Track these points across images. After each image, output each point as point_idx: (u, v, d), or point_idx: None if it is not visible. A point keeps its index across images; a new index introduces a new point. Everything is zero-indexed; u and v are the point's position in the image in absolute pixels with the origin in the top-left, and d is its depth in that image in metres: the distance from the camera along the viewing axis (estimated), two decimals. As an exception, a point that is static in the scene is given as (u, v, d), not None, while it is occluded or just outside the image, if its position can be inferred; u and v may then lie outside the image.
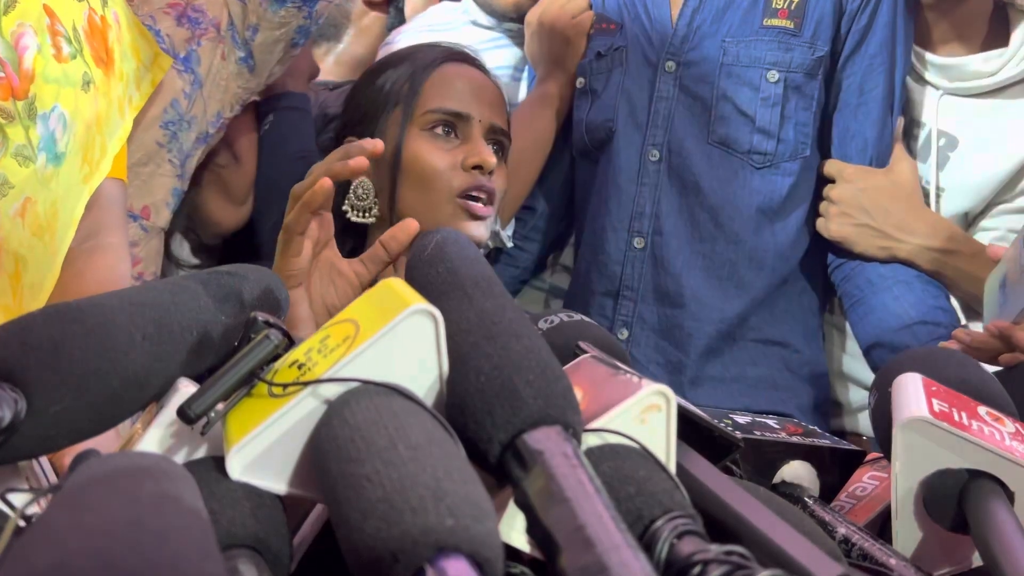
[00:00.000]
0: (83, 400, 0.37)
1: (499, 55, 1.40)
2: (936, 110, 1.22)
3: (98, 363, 0.37)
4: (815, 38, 1.18)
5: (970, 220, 1.21)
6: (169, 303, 0.43)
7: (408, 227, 0.85)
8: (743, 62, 1.18)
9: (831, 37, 1.18)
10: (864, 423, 1.26)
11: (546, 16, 1.29)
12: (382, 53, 1.47)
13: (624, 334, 1.19)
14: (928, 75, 1.22)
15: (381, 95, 1.10)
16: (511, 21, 1.43)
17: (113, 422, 0.39)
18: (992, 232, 1.19)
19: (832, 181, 1.20)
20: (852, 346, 1.27)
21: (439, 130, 1.05)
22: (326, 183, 0.81)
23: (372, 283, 1.02)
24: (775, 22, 1.19)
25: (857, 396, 1.28)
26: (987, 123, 1.20)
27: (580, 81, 1.30)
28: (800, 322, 1.22)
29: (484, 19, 1.45)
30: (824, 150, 1.22)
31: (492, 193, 1.05)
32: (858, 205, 1.16)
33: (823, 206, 1.19)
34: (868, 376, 1.26)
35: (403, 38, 1.48)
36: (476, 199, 1.03)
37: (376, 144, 0.85)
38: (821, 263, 1.25)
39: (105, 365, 0.37)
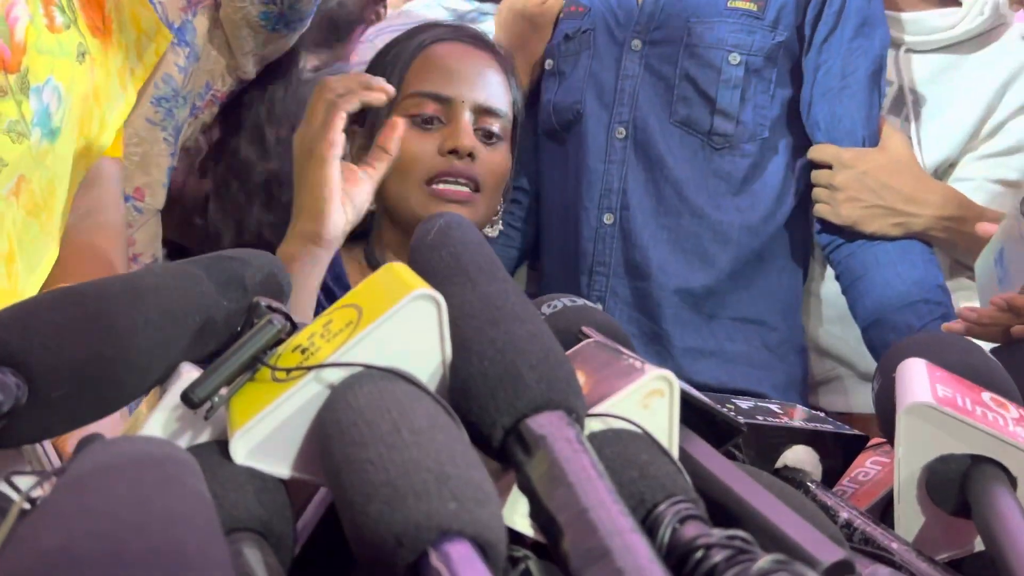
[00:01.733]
0: (85, 386, 0.37)
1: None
2: (899, 66, 1.25)
3: (100, 348, 0.37)
4: (776, 23, 1.19)
5: (941, 172, 1.24)
6: (171, 288, 0.43)
7: (396, 125, 0.92)
8: (706, 43, 1.19)
9: (792, 23, 1.20)
10: (826, 398, 1.28)
11: (516, 3, 1.30)
12: (359, 50, 1.46)
13: (599, 308, 1.21)
14: (894, 32, 1.25)
15: (377, 74, 1.09)
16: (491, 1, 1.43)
17: (115, 407, 0.39)
18: (969, 183, 1.21)
19: (824, 166, 1.20)
20: (827, 315, 1.28)
21: (422, 115, 1.04)
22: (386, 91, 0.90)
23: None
24: (739, 4, 1.20)
25: (820, 368, 1.29)
26: (949, 77, 1.23)
27: (548, 63, 1.30)
28: (779, 300, 1.24)
29: (463, 3, 1.44)
30: (800, 134, 1.23)
31: (472, 178, 1.02)
32: (864, 187, 1.17)
33: (824, 193, 1.20)
34: (833, 346, 1.28)
35: (380, 39, 1.47)
36: (448, 182, 1.02)
37: (388, 89, 0.91)
38: (802, 241, 1.27)
39: (107, 351, 0.37)
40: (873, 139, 1.20)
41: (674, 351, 1.19)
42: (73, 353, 0.36)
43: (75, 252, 0.82)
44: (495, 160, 1.06)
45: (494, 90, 1.09)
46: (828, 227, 1.21)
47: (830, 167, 1.19)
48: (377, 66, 1.12)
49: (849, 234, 1.20)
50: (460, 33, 1.13)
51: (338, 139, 0.88)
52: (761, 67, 1.19)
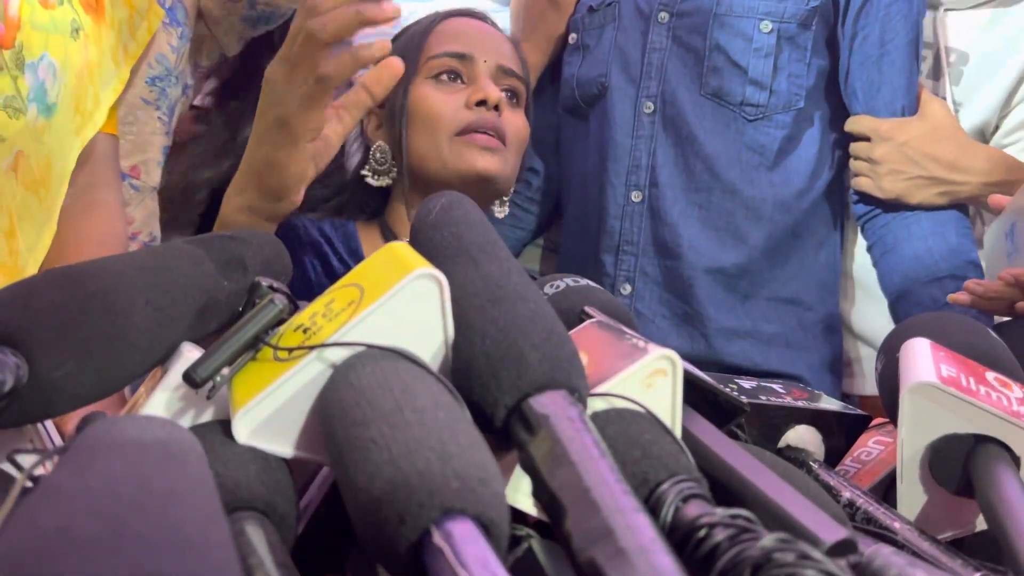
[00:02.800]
0: (86, 365, 0.37)
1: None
2: (937, 28, 1.21)
3: (101, 328, 0.37)
4: None
5: (988, 135, 1.20)
6: (172, 268, 0.43)
7: (393, 66, 0.78)
8: (736, 12, 1.17)
9: None
10: (853, 381, 1.27)
11: None
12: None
13: (627, 289, 1.19)
14: None
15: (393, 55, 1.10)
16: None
17: (116, 387, 0.39)
18: (1016, 145, 1.17)
19: (862, 138, 1.17)
20: (857, 295, 1.27)
21: (444, 76, 1.05)
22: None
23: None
24: None
25: (867, 353, 1.27)
26: (989, 35, 1.18)
27: (572, 37, 1.28)
28: (815, 278, 1.22)
29: None
30: (837, 104, 1.20)
31: (500, 129, 1.02)
32: (906, 159, 1.13)
33: (864, 167, 1.17)
34: (862, 326, 1.26)
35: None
36: (479, 131, 1.01)
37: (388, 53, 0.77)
38: (838, 215, 1.24)
39: (108, 330, 0.37)
40: (912, 108, 1.17)
41: (707, 332, 1.16)
42: (74, 333, 0.36)
43: (72, 231, 0.81)
44: (518, 120, 1.07)
45: (511, 56, 1.10)
46: (867, 198, 1.19)
47: (868, 139, 1.17)
48: (395, 44, 1.11)
49: (889, 205, 1.17)
50: (472, 12, 1.14)
51: (322, 122, 0.76)
52: (795, 34, 1.16)
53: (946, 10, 1.21)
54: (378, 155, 1.07)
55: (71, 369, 0.36)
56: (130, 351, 0.39)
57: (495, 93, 1.02)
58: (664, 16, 1.20)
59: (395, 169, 1.07)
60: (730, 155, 1.17)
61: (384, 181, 1.07)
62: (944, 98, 1.19)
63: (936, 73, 1.21)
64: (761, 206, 1.17)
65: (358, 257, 1.05)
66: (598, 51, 1.24)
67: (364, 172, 1.07)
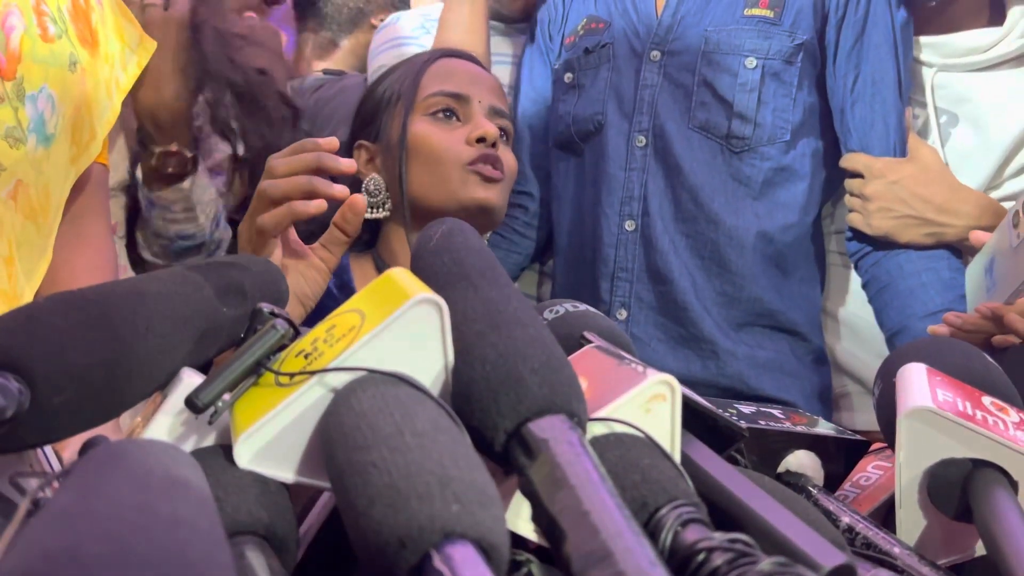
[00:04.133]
0: (86, 391, 0.37)
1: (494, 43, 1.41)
2: (930, 88, 1.23)
3: (103, 355, 0.37)
4: (795, 26, 1.21)
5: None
6: (172, 294, 0.43)
7: (355, 204, 0.83)
8: (723, 50, 1.21)
9: (812, 27, 1.21)
10: (835, 414, 1.27)
11: None
12: (377, 36, 1.48)
13: (623, 314, 1.22)
14: (922, 55, 1.23)
15: (383, 96, 1.14)
16: (519, 22, 1.44)
17: (115, 413, 0.39)
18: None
19: (853, 174, 1.20)
20: (841, 332, 1.27)
21: (441, 114, 1.09)
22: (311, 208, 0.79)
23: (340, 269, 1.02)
24: (755, 11, 1.22)
25: (856, 389, 1.28)
26: (982, 98, 1.20)
27: (568, 76, 1.33)
28: (803, 311, 1.24)
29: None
30: (829, 142, 1.23)
31: (500, 163, 1.07)
32: (896, 198, 1.16)
33: (855, 202, 1.19)
34: (847, 362, 1.27)
35: (402, 22, 1.49)
36: (486, 163, 1.05)
37: (331, 142, 0.82)
38: (820, 255, 1.27)
39: (110, 357, 0.38)
40: (903, 144, 1.19)
41: (704, 355, 1.19)
42: (76, 359, 0.36)
43: (65, 260, 0.82)
44: (510, 157, 1.12)
45: (500, 96, 1.15)
46: (858, 235, 1.21)
47: (861, 176, 1.18)
48: (382, 84, 1.15)
49: (878, 243, 1.19)
50: (464, 54, 1.19)
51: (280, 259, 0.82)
52: (779, 70, 1.20)
53: (939, 70, 1.22)
54: (371, 187, 1.09)
55: (73, 395, 0.36)
56: (131, 377, 0.39)
57: (493, 130, 1.06)
58: (656, 54, 1.25)
59: (389, 201, 1.09)
60: (715, 186, 1.20)
61: (379, 213, 1.09)
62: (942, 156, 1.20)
63: (926, 132, 1.22)
64: (744, 236, 1.20)
65: (349, 291, 1.06)
66: (593, 90, 1.28)
67: None
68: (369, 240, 1.14)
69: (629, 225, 1.23)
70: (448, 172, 1.05)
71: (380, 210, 1.09)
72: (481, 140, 1.06)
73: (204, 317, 0.44)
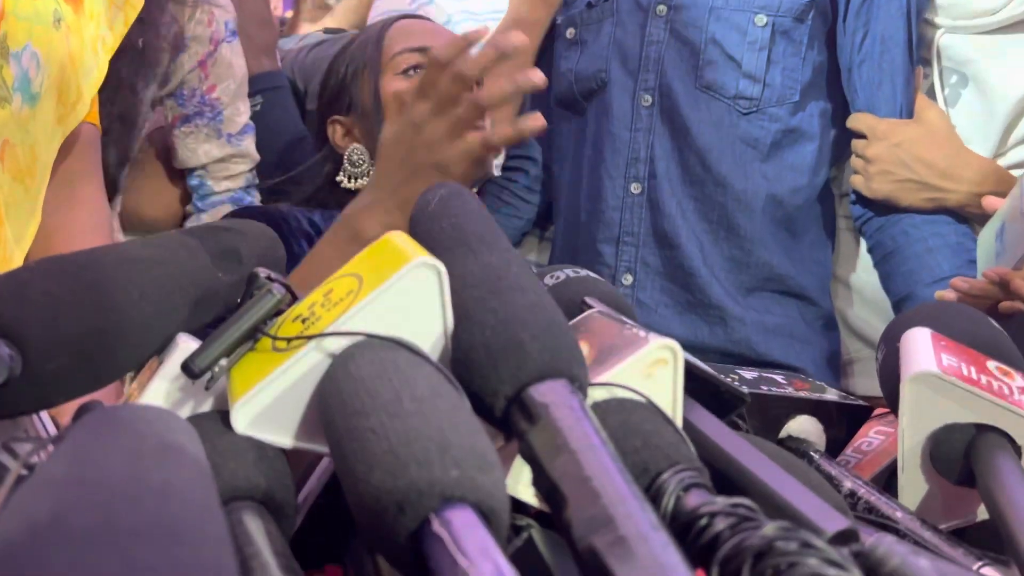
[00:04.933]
0: (79, 358, 0.36)
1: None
2: (936, 49, 1.20)
3: (96, 321, 0.37)
4: None
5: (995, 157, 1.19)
6: (167, 260, 0.43)
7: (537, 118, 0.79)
8: (732, 5, 1.18)
9: None
10: (851, 380, 1.27)
11: None
12: (373, 13, 1.46)
13: (628, 279, 1.20)
14: (930, 15, 1.20)
15: (348, 68, 1.13)
16: None
17: (109, 380, 0.39)
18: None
19: (860, 136, 1.18)
20: (853, 298, 1.26)
21: (411, 71, 1.07)
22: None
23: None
24: None
25: (846, 348, 1.27)
26: (988, 62, 1.17)
27: (570, 32, 1.29)
28: (813, 274, 1.23)
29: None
30: (838, 102, 1.21)
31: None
32: (897, 160, 1.14)
33: (858, 164, 1.17)
34: (859, 328, 1.27)
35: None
36: None
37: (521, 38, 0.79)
38: (831, 217, 1.25)
39: (103, 323, 0.37)
40: (910, 106, 1.17)
41: (711, 320, 1.17)
42: (68, 325, 0.36)
43: (59, 222, 0.81)
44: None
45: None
46: (861, 199, 1.19)
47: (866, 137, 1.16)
48: (343, 57, 1.14)
49: (881, 208, 1.17)
50: (417, 15, 1.20)
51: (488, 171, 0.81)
52: (789, 28, 1.17)
53: (946, 31, 1.19)
54: (355, 157, 1.08)
55: (65, 362, 0.36)
56: (124, 344, 0.38)
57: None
58: (662, 9, 1.21)
59: (373, 168, 1.06)
60: (723, 148, 1.18)
61: (363, 183, 1.07)
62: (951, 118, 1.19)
63: (933, 92, 1.20)
64: (752, 199, 1.18)
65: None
66: (596, 46, 1.25)
67: (340, 178, 1.09)
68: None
69: (635, 188, 1.20)
70: None
71: (364, 179, 1.08)
72: None
73: (199, 283, 0.44)
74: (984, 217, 1.13)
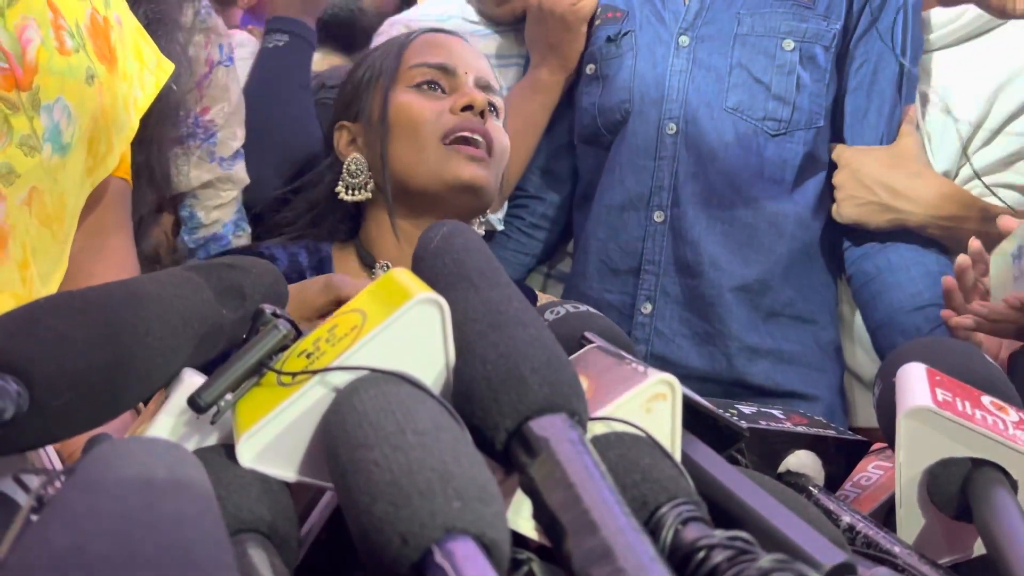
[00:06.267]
0: (85, 394, 0.37)
1: (487, 43, 1.41)
2: (923, 69, 1.24)
3: (102, 357, 0.37)
4: (829, 11, 1.20)
5: (956, 174, 1.22)
6: (172, 296, 0.43)
7: None
8: (758, 32, 1.20)
9: (843, 13, 1.20)
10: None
11: (546, 2, 1.29)
12: (376, 40, 1.48)
13: (648, 308, 1.20)
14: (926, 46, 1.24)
15: (364, 75, 1.10)
16: (505, 24, 1.44)
17: (115, 414, 0.39)
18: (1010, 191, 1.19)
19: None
20: (845, 333, 1.28)
21: (425, 85, 1.04)
22: None
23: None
24: None
25: (857, 386, 1.28)
26: (946, 75, 1.22)
27: (590, 68, 1.31)
28: (825, 298, 1.24)
29: (473, 15, 1.45)
30: (836, 129, 1.24)
31: (487, 135, 1.01)
32: (859, 184, 1.18)
33: (835, 191, 1.21)
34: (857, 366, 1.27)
35: (396, 30, 1.49)
36: (467, 141, 1.01)
37: None
38: (837, 243, 1.27)
39: (109, 359, 0.37)
40: (892, 136, 1.20)
41: (729, 351, 1.17)
42: (76, 362, 0.36)
43: (86, 274, 0.83)
44: (501, 134, 1.06)
45: (489, 72, 1.10)
46: (841, 227, 1.22)
47: None
48: (363, 64, 1.13)
49: (859, 236, 1.20)
50: (453, 31, 1.16)
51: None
52: (816, 55, 1.19)
53: (931, 51, 1.24)
54: (352, 167, 1.05)
55: (71, 397, 0.36)
56: (130, 380, 0.39)
57: (481, 98, 1.02)
58: (685, 40, 1.23)
59: (371, 182, 1.05)
60: (752, 170, 1.19)
61: (360, 196, 1.05)
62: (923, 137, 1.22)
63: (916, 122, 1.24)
64: (783, 222, 1.19)
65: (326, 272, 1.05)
66: (619, 79, 1.26)
67: (338, 188, 1.06)
68: (351, 230, 1.11)
69: (658, 216, 1.21)
70: (427, 147, 1.00)
71: (362, 191, 1.04)
72: (467, 109, 1.01)
73: (204, 319, 0.44)
74: (944, 239, 1.16)
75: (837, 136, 1.24)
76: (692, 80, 1.21)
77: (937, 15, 1.22)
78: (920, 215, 1.15)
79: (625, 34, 1.27)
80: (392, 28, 1.48)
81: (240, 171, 1.21)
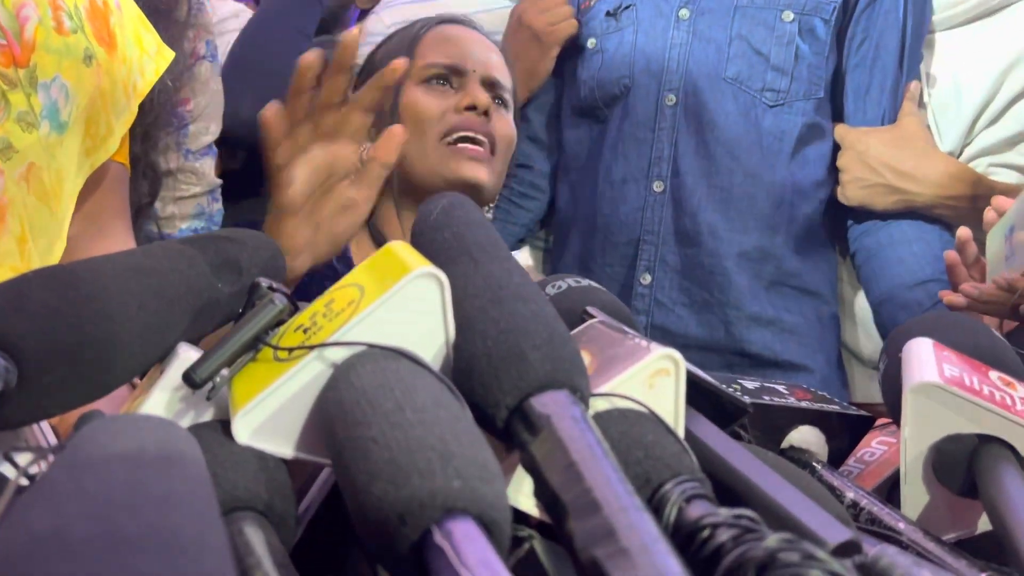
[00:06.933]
0: (76, 369, 0.36)
1: (497, 17, 1.39)
2: (926, 51, 1.24)
3: (93, 333, 0.36)
4: None
5: (960, 153, 1.22)
6: (166, 270, 0.42)
7: (393, 133, 0.79)
8: (758, 3, 1.20)
9: None
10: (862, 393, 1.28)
11: (526, 15, 1.29)
12: (368, 21, 1.46)
13: (647, 279, 1.21)
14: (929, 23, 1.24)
15: (379, 63, 1.12)
16: None
17: (107, 390, 0.38)
18: (1003, 173, 1.19)
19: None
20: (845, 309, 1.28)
21: (434, 81, 1.07)
22: (310, 57, 0.74)
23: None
24: None
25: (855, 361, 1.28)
26: (958, 56, 1.21)
27: (591, 42, 1.30)
28: (826, 272, 1.25)
29: None
30: (838, 106, 1.23)
31: (489, 135, 1.04)
32: (864, 166, 1.18)
33: (840, 174, 1.20)
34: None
35: (386, 12, 1.45)
36: (468, 140, 1.03)
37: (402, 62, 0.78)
38: (840, 220, 1.27)
39: (100, 335, 0.37)
40: (894, 114, 1.20)
41: (728, 320, 1.18)
42: (65, 337, 0.36)
43: (84, 257, 0.83)
44: (507, 123, 1.08)
45: (501, 68, 1.12)
46: (845, 208, 1.22)
47: None
48: (379, 52, 1.13)
49: (862, 214, 1.20)
50: (466, 20, 1.17)
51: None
52: (815, 27, 1.19)
53: (938, 31, 1.24)
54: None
55: (62, 373, 0.35)
56: (122, 356, 0.38)
57: (484, 98, 1.05)
58: (685, 13, 1.23)
59: None
60: (751, 139, 1.19)
61: None
62: (928, 118, 1.22)
63: (920, 97, 1.23)
64: (782, 191, 1.19)
65: (348, 261, 1.06)
66: (619, 54, 1.26)
67: None
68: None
69: (657, 186, 1.21)
70: (429, 144, 1.03)
71: None
72: (471, 108, 1.04)
73: (199, 294, 0.44)
74: (952, 219, 1.16)
75: (839, 113, 1.23)
76: (691, 53, 1.21)
77: None
78: (927, 195, 1.15)
79: (626, 8, 1.27)
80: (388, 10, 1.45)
81: (207, 168, 1.18)
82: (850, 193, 1.19)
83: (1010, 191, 1.08)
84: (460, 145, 1.03)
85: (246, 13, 1.37)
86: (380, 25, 1.31)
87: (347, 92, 0.78)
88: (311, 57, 0.75)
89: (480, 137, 1.03)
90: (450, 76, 1.07)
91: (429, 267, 0.39)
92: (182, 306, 0.42)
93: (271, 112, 0.76)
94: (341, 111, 0.78)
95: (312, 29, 1.29)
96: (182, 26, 1.12)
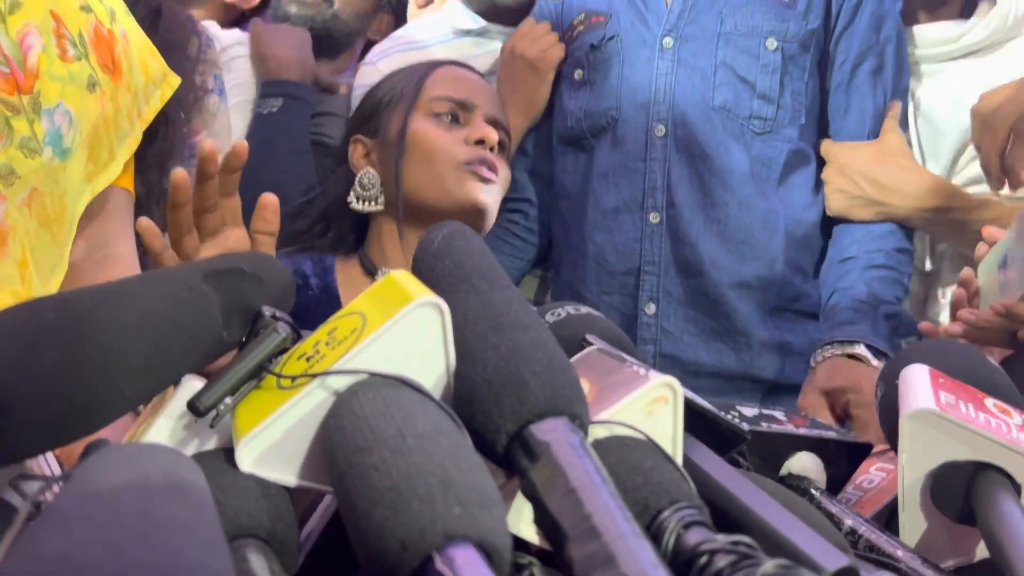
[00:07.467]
0: (72, 414, 0.34)
1: (487, 61, 1.41)
2: (914, 77, 1.29)
3: (83, 396, 0.35)
4: (808, 11, 1.23)
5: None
6: (176, 322, 0.40)
7: (267, 205, 0.84)
8: (741, 30, 1.22)
9: (822, 12, 1.23)
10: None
11: (519, 46, 1.33)
12: (362, 72, 1.47)
13: (652, 309, 1.22)
14: (909, 47, 1.28)
15: (385, 95, 1.17)
16: (506, 22, 1.43)
17: (100, 427, 0.37)
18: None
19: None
20: None
21: (443, 116, 1.12)
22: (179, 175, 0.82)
23: None
24: None
25: None
26: (948, 86, 1.25)
27: (577, 73, 1.32)
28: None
29: (469, 22, 1.45)
30: (823, 127, 1.26)
31: (495, 168, 1.10)
32: (846, 179, 1.22)
33: (824, 186, 1.25)
34: None
35: (383, 62, 1.46)
36: (483, 163, 1.09)
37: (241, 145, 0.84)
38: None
39: (92, 398, 0.35)
40: (876, 132, 1.24)
41: (737, 347, 1.20)
42: (62, 393, 0.34)
43: (89, 284, 0.83)
44: (505, 168, 1.15)
45: (501, 110, 1.19)
46: (833, 222, 1.26)
47: None
48: (385, 85, 1.17)
49: (838, 224, 1.25)
50: (470, 66, 1.23)
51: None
52: (796, 54, 1.22)
53: (914, 63, 1.28)
54: (365, 180, 1.12)
55: (49, 416, 0.34)
56: (109, 408, 0.36)
57: (494, 135, 1.10)
58: (669, 41, 1.25)
59: (382, 195, 1.12)
60: (743, 168, 1.21)
61: (370, 207, 1.12)
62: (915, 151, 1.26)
63: (905, 123, 1.27)
64: (775, 219, 1.22)
65: (332, 292, 1.08)
66: (606, 85, 1.28)
67: (349, 198, 1.13)
68: (355, 241, 1.16)
69: (654, 218, 1.22)
70: (443, 169, 1.08)
71: (373, 203, 1.12)
72: (480, 142, 1.09)
73: (202, 345, 0.41)
74: (930, 231, 1.21)
75: (824, 134, 1.27)
76: (677, 82, 1.23)
77: (936, 30, 1.26)
78: (904, 207, 1.20)
79: (610, 39, 1.29)
80: (395, 48, 1.47)
81: None
82: (832, 204, 1.23)
83: (986, 205, 1.13)
84: (475, 166, 1.08)
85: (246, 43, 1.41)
86: (376, 75, 1.35)
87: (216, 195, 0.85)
88: (180, 176, 0.83)
89: (494, 164, 1.10)
90: (458, 112, 1.12)
91: (430, 296, 0.40)
92: (185, 361, 0.40)
93: (149, 234, 0.83)
94: (218, 210, 0.85)
95: (306, 138, 1.33)
96: (193, 61, 1.16)
